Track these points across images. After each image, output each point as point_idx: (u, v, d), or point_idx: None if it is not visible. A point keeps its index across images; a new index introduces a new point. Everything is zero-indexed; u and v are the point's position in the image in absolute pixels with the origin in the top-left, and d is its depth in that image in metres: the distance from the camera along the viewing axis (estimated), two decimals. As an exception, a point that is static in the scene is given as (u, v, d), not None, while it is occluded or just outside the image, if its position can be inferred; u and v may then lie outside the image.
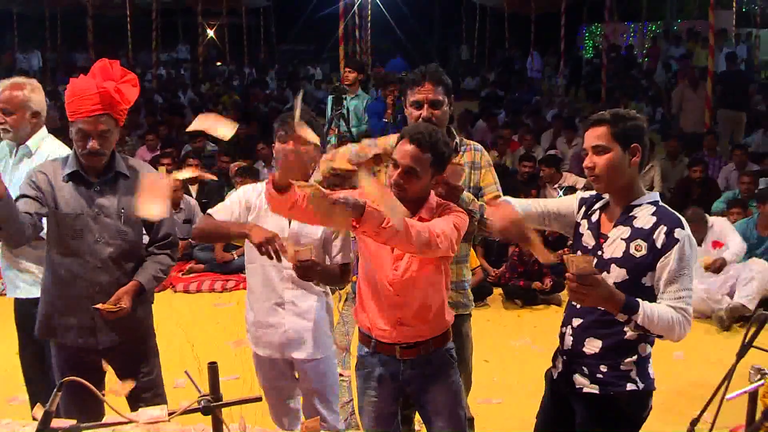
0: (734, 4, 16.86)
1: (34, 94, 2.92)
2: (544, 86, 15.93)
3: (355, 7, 14.68)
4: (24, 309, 2.92)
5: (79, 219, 2.45)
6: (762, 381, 1.97)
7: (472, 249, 2.80)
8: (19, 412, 3.41)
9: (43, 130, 2.99)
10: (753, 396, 1.98)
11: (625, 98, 12.32)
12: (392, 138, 2.44)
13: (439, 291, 2.32)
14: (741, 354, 1.99)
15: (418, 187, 2.21)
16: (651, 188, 7.26)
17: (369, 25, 15.96)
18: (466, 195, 2.47)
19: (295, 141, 1.87)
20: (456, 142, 2.64)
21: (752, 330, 1.91)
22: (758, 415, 1.92)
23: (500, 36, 18.83)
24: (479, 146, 2.69)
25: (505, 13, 18.37)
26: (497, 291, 5.56)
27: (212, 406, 1.62)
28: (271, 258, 2.34)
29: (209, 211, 2.61)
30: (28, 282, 2.90)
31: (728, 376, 1.92)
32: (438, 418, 2.38)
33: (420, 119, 2.51)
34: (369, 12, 15.84)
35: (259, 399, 1.86)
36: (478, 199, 2.57)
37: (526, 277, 5.45)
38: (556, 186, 6.53)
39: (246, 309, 2.74)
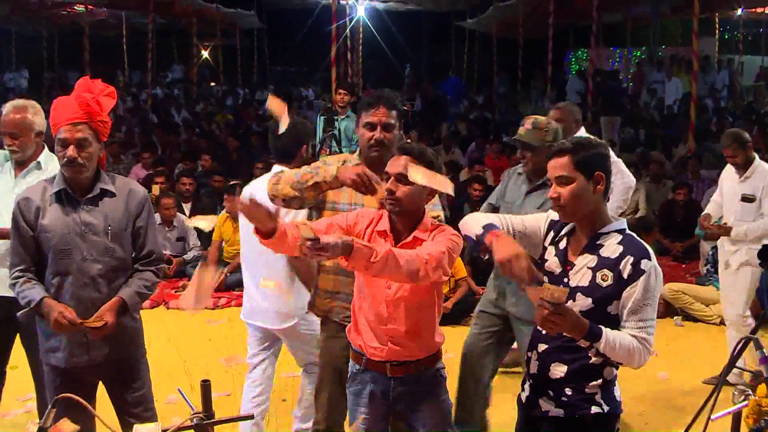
0: (717, 32, 17.19)
1: (37, 116, 3.03)
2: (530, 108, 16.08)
3: (347, 30, 14.85)
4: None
5: (67, 237, 2.47)
6: (746, 402, 2.00)
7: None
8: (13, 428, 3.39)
9: (45, 148, 3.11)
10: (737, 416, 2.01)
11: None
12: (332, 168, 2.51)
13: (431, 312, 2.35)
14: (725, 374, 2.03)
15: (410, 195, 2.26)
16: (636, 210, 7.38)
17: (361, 48, 16.16)
18: None
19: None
20: None
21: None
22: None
23: (488, 60, 19.03)
24: None
25: (493, 38, 18.61)
26: (485, 310, 5.55)
27: (205, 423, 1.64)
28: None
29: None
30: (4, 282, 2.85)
31: (714, 394, 1.95)
32: (427, 437, 2.39)
33: (372, 140, 2.59)
34: (361, 35, 16.05)
35: (251, 417, 1.89)
36: None
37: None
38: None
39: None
